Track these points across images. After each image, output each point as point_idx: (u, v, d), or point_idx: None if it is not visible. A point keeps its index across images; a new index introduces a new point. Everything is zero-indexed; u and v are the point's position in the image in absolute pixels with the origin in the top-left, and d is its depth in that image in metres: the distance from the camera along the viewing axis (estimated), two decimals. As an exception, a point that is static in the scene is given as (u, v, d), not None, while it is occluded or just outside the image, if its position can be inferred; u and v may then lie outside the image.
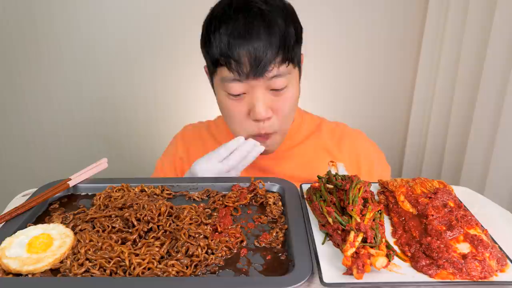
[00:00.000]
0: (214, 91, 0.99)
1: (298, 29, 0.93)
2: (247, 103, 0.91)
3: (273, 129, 0.94)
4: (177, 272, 0.57)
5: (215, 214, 0.71)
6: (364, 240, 0.58)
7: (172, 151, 1.13)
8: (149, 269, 0.58)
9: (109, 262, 0.58)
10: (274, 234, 0.66)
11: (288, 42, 0.88)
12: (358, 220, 0.61)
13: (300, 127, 1.08)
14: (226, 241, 0.64)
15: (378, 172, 1.07)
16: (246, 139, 0.90)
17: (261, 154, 0.96)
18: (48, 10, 1.75)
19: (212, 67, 0.92)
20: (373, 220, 0.63)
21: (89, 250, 0.60)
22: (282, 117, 0.93)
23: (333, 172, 0.83)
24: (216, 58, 0.88)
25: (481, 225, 0.64)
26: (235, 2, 0.89)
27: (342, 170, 0.84)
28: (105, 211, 0.70)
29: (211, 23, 0.90)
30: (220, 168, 0.86)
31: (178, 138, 1.16)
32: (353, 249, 0.56)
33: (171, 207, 0.71)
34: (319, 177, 0.76)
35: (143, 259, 0.58)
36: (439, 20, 1.70)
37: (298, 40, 0.93)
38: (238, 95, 0.90)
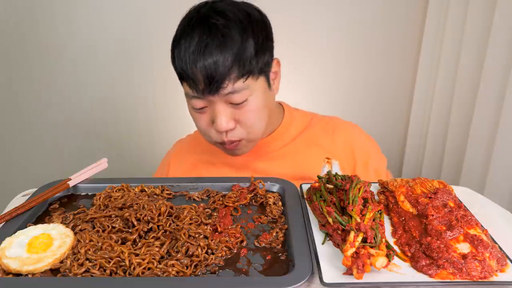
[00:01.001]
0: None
1: (259, 40, 0.89)
2: (209, 115, 0.91)
3: (238, 137, 0.93)
4: (177, 272, 0.57)
5: (215, 214, 0.71)
6: (364, 240, 0.58)
7: (165, 169, 1.12)
8: (149, 269, 0.58)
9: (109, 262, 0.58)
10: (274, 234, 0.66)
11: (244, 57, 0.86)
12: (358, 220, 0.61)
13: (290, 125, 1.08)
14: (226, 241, 0.64)
15: (374, 164, 1.06)
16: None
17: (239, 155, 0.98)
18: (48, 10, 1.75)
19: (180, 80, 0.93)
20: (373, 220, 0.63)
21: (89, 250, 0.60)
22: (246, 127, 0.93)
23: (326, 169, 0.84)
24: (179, 73, 0.90)
25: (481, 225, 0.64)
26: (194, 18, 0.89)
27: (336, 168, 0.84)
28: (105, 211, 0.70)
29: (175, 39, 0.92)
30: None
31: (170, 156, 1.14)
32: (353, 249, 0.56)
33: (171, 207, 0.71)
34: (319, 177, 0.76)
35: (143, 259, 0.58)
36: (439, 20, 1.70)
37: (261, 50, 0.90)
38: (201, 108, 0.91)
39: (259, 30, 0.90)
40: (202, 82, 0.85)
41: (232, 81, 0.86)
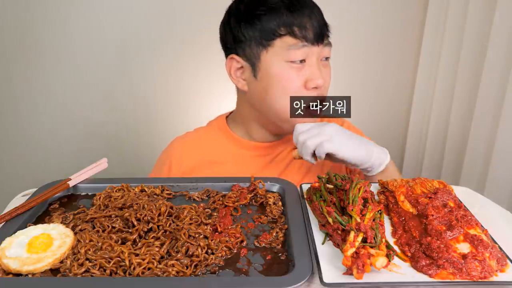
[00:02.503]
0: (236, 82, 1.00)
1: None
2: (305, 73, 0.93)
3: (326, 94, 0.97)
4: (177, 272, 0.57)
5: (215, 214, 0.71)
6: (364, 240, 0.58)
7: (164, 171, 1.07)
8: (149, 269, 0.58)
9: (109, 262, 0.58)
10: (274, 234, 0.66)
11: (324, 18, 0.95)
12: (358, 220, 0.61)
13: None
14: (226, 241, 0.64)
15: None
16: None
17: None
18: (48, 10, 1.75)
19: (265, 42, 0.93)
20: (373, 220, 0.63)
21: (89, 250, 0.60)
22: (325, 90, 0.97)
23: (296, 157, 0.86)
24: (273, 30, 0.91)
25: (481, 225, 0.64)
26: None
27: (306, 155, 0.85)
28: (105, 211, 0.70)
29: (251, 2, 0.95)
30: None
31: (170, 156, 1.09)
32: (353, 249, 0.56)
33: (171, 207, 0.71)
34: (319, 177, 0.76)
35: (143, 259, 0.58)
36: (439, 20, 1.70)
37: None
38: (302, 61, 0.92)
39: None
40: (311, 29, 0.91)
41: (327, 34, 0.95)
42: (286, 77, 0.93)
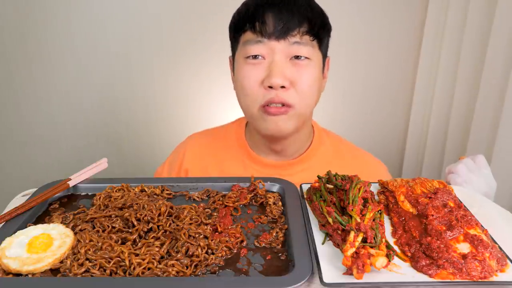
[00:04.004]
0: (233, 72, 0.97)
1: (326, 19, 0.92)
2: (264, 69, 0.87)
3: (289, 100, 0.88)
4: (177, 272, 0.57)
5: (215, 214, 0.71)
6: (364, 240, 0.58)
7: (178, 162, 1.08)
8: (149, 269, 0.58)
9: (109, 262, 0.58)
10: (274, 234, 0.66)
11: (316, 18, 0.88)
12: (358, 220, 0.61)
13: (318, 149, 1.04)
14: (226, 241, 0.64)
15: None
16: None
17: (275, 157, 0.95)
18: (48, 11, 1.75)
19: (237, 37, 0.91)
20: (373, 220, 0.63)
21: (89, 250, 0.60)
22: (300, 93, 0.88)
23: None
24: (241, 25, 0.89)
25: (481, 225, 0.64)
26: None
27: None
28: (105, 211, 0.70)
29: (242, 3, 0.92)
30: None
31: (184, 149, 1.10)
32: (353, 249, 0.56)
33: (171, 207, 0.71)
34: (319, 177, 0.76)
35: (143, 259, 0.58)
36: (439, 20, 1.70)
37: (328, 27, 0.93)
38: (256, 56, 0.88)
39: (323, 12, 0.93)
40: (271, 26, 0.85)
41: (300, 33, 0.86)
42: (242, 74, 0.90)
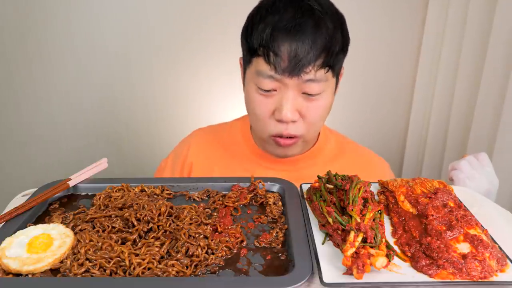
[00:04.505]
0: (243, 84, 0.96)
1: (346, 39, 0.90)
2: (275, 102, 0.87)
3: (298, 133, 0.90)
4: (177, 272, 0.57)
5: (215, 214, 0.71)
6: (364, 240, 0.58)
7: (183, 155, 1.08)
8: (149, 269, 0.58)
9: (109, 262, 0.58)
10: (274, 234, 0.66)
11: (333, 47, 0.84)
12: (358, 220, 0.61)
13: (324, 147, 1.05)
14: (226, 241, 0.64)
15: None
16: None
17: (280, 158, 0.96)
18: (47, 11, 1.75)
19: (249, 56, 0.89)
20: (373, 220, 0.63)
21: (89, 250, 0.60)
22: (309, 124, 0.90)
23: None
24: (255, 48, 0.85)
25: (481, 225, 0.64)
26: None
27: None
28: (105, 211, 0.70)
29: (258, 12, 0.87)
30: None
31: (189, 142, 1.10)
32: (353, 249, 0.56)
33: (171, 207, 0.71)
34: (319, 177, 0.76)
35: (143, 259, 0.58)
36: (439, 19, 1.70)
37: (344, 49, 0.90)
38: (268, 90, 0.86)
39: (345, 29, 0.90)
40: (286, 61, 0.82)
41: (315, 68, 0.83)
42: (254, 102, 0.90)
